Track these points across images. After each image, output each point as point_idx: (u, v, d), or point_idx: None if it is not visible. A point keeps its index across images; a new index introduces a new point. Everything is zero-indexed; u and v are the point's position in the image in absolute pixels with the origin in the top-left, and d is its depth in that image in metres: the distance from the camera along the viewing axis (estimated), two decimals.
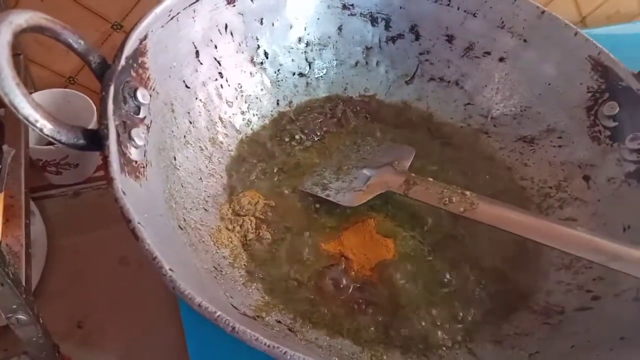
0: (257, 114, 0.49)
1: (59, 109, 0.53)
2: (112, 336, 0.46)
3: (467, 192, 0.40)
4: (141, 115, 0.35)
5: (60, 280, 0.49)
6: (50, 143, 0.52)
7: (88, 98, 0.54)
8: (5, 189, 0.44)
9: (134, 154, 0.33)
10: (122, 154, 0.32)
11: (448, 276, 0.40)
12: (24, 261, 0.41)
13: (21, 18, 0.29)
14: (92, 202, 0.56)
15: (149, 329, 0.46)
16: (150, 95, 0.36)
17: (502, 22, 0.49)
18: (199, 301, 0.26)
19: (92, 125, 0.52)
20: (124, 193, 0.29)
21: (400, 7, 0.52)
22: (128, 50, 0.35)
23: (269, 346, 0.25)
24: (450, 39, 0.52)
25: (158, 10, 0.38)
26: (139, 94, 0.35)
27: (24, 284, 0.39)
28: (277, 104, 0.51)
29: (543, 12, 0.47)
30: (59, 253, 0.50)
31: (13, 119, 0.49)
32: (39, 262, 0.48)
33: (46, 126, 0.29)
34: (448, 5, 0.51)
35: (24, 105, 0.28)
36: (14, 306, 0.36)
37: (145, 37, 0.37)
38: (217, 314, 0.26)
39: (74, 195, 0.56)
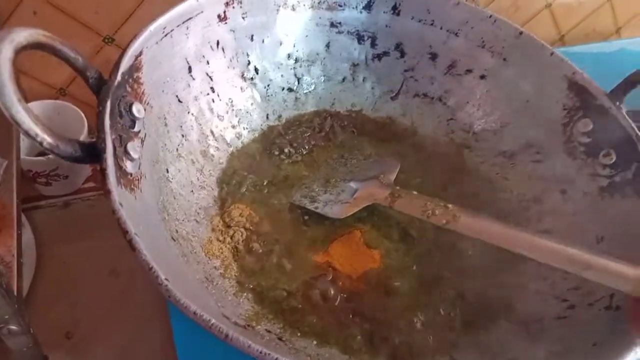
0: (247, 128, 0.50)
1: (49, 120, 0.53)
2: (101, 347, 0.46)
3: (450, 205, 0.42)
4: (136, 129, 0.36)
5: (49, 291, 0.49)
6: (40, 154, 0.53)
7: (78, 109, 0.55)
8: None
9: (129, 166, 0.34)
10: (119, 167, 0.33)
11: (432, 286, 0.42)
12: (15, 272, 0.41)
13: (21, 36, 0.30)
14: (81, 213, 0.56)
15: (138, 339, 0.47)
16: (145, 110, 0.38)
17: (483, 42, 0.51)
18: (193, 309, 0.27)
19: (84, 136, 0.53)
20: (120, 205, 0.30)
21: (386, 26, 0.54)
22: (124, 66, 0.36)
23: (261, 353, 0.26)
24: (433, 56, 0.54)
25: (153, 27, 0.39)
26: (134, 109, 0.36)
27: (15, 295, 0.39)
28: (267, 118, 0.52)
29: (521, 32, 0.49)
30: (48, 263, 0.51)
31: (5, 130, 0.50)
32: (28, 272, 0.48)
33: (46, 140, 0.30)
34: (432, 24, 0.53)
35: (25, 120, 0.29)
36: (6, 316, 0.36)
37: (140, 53, 0.38)
38: (212, 322, 0.27)
39: (64, 206, 0.56)
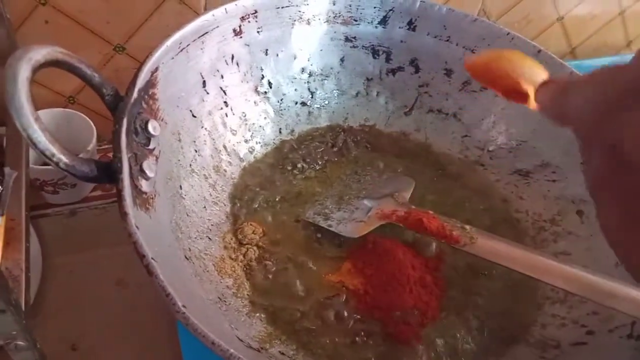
0: (260, 142, 0.50)
1: (58, 129, 0.53)
2: (108, 358, 0.46)
3: (467, 227, 0.41)
4: (151, 147, 0.36)
5: (55, 301, 0.48)
6: (48, 163, 0.52)
7: (88, 118, 0.54)
8: (7, 212, 0.44)
9: (144, 186, 0.34)
10: (134, 186, 0.32)
11: (448, 309, 0.41)
12: (23, 286, 0.41)
13: (39, 54, 0.29)
14: (88, 222, 0.55)
15: (145, 352, 0.46)
16: (160, 127, 0.37)
17: None
18: (212, 339, 0.26)
19: (92, 145, 0.52)
20: (137, 227, 0.29)
21: (401, 41, 0.53)
22: (140, 82, 0.35)
23: None
24: (449, 73, 0.53)
25: (169, 42, 0.39)
26: (150, 126, 0.35)
27: (23, 310, 0.39)
28: (280, 132, 0.52)
29: (539, 51, 0.49)
30: (55, 273, 0.50)
31: (15, 140, 0.49)
32: (34, 282, 0.47)
33: (62, 160, 0.29)
34: (447, 40, 0.52)
35: (42, 140, 0.28)
36: (14, 332, 0.36)
37: (156, 69, 0.37)
38: (230, 352, 0.26)
39: (71, 214, 0.56)
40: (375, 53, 0.54)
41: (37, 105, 0.57)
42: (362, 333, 0.39)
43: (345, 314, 0.40)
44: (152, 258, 0.28)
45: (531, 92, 0.30)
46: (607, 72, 0.21)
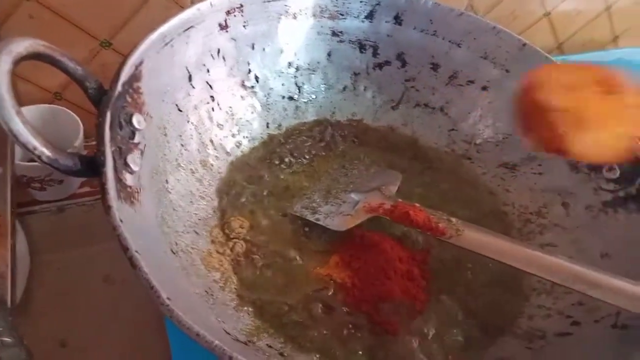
0: (247, 137, 0.50)
1: (45, 125, 0.53)
2: (97, 355, 0.45)
3: (453, 219, 0.41)
4: (136, 140, 0.36)
5: (43, 298, 0.48)
6: (34, 159, 0.52)
7: (74, 114, 0.54)
8: None
9: (129, 179, 0.33)
10: (118, 180, 0.32)
11: (435, 300, 0.41)
12: (9, 282, 0.41)
13: (21, 46, 0.29)
14: (76, 219, 0.55)
15: (134, 348, 0.46)
16: (145, 120, 0.37)
17: (486, 53, 0.51)
18: (196, 330, 0.26)
19: (79, 141, 0.52)
20: (121, 221, 0.29)
21: (388, 35, 0.53)
22: (124, 76, 0.35)
23: None
24: (435, 67, 0.53)
25: (153, 36, 0.38)
26: (134, 120, 0.35)
27: (9, 306, 0.38)
28: (267, 126, 0.51)
29: (524, 44, 0.49)
30: (42, 270, 0.49)
31: (0, 136, 0.49)
32: (21, 279, 0.47)
33: (44, 154, 0.29)
34: (434, 35, 0.52)
35: (23, 133, 0.28)
36: (0, 329, 0.36)
37: (140, 63, 0.37)
38: (215, 344, 0.26)
39: (58, 211, 0.55)
40: (362, 47, 0.54)
41: (23, 101, 0.58)
42: (350, 326, 0.39)
43: (333, 306, 0.40)
44: (135, 251, 0.28)
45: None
46: None
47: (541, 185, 0.48)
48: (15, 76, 0.57)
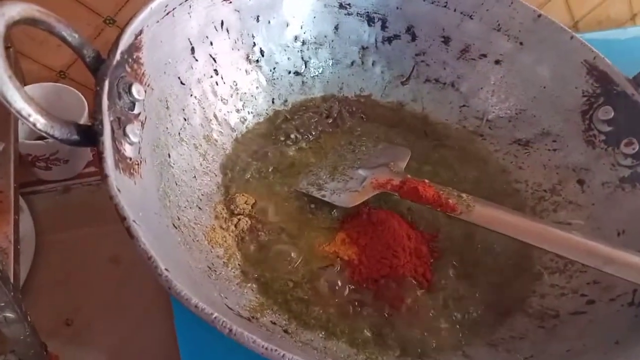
0: (252, 112, 0.49)
1: (49, 104, 0.52)
2: (102, 334, 0.45)
3: (464, 195, 0.40)
4: (136, 112, 0.35)
5: (49, 277, 0.48)
6: (40, 138, 0.51)
7: (79, 92, 0.53)
8: None
9: (128, 150, 0.33)
10: (117, 150, 0.31)
11: (444, 278, 0.40)
12: (12, 258, 0.40)
13: (14, 10, 0.28)
14: (82, 199, 0.55)
15: (139, 327, 0.46)
16: (145, 91, 0.36)
17: (499, 25, 0.49)
18: (195, 302, 0.26)
19: (84, 120, 0.51)
20: (118, 190, 0.29)
21: (397, 8, 0.52)
22: (123, 45, 0.34)
23: (266, 349, 0.25)
24: (446, 40, 0.52)
25: (154, 5, 0.37)
26: (133, 90, 0.34)
27: (12, 281, 0.38)
28: (273, 102, 0.50)
29: (539, 15, 0.47)
30: (48, 249, 0.49)
31: (2, 113, 0.48)
32: (27, 258, 0.47)
33: (39, 121, 0.28)
34: (445, 6, 0.51)
35: (17, 99, 0.27)
36: (2, 304, 0.35)
37: (140, 32, 0.36)
38: (214, 316, 0.25)
39: (64, 191, 0.55)
40: (370, 20, 0.52)
41: (28, 79, 0.57)
42: (356, 303, 0.39)
43: (339, 284, 0.39)
44: (133, 220, 0.27)
45: None
46: None
47: (555, 162, 0.46)
48: (19, 54, 0.57)
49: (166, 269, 0.26)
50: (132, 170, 0.33)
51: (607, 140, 0.43)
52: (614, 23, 0.85)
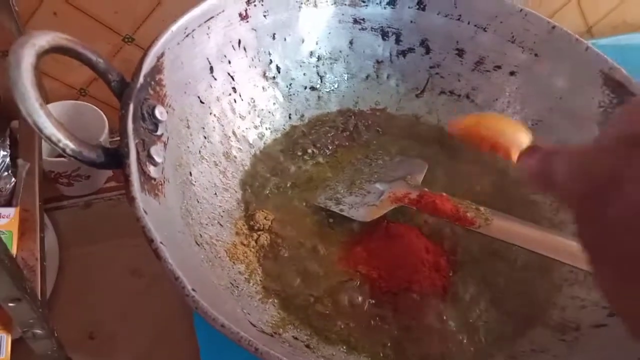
0: (269, 128, 0.49)
1: (70, 121, 0.53)
2: (124, 347, 0.46)
3: (482, 208, 0.40)
4: (159, 133, 0.36)
5: (72, 291, 0.49)
6: (62, 155, 0.53)
7: (99, 110, 0.54)
8: (20, 203, 0.45)
9: (152, 171, 0.33)
10: (142, 172, 0.32)
11: (464, 291, 0.40)
12: (39, 275, 0.41)
13: (43, 40, 0.29)
14: (103, 213, 0.56)
15: (162, 341, 0.46)
16: (167, 112, 0.37)
17: (513, 37, 0.50)
18: (221, 321, 0.26)
19: (104, 137, 0.52)
20: (145, 212, 0.29)
21: (411, 22, 0.52)
22: (146, 68, 0.35)
23: None
24: (460, 52, 0.52)
25: (174, 27, 0.38)
26: (157, 112, 0.35)
27: (39, 298, 0.39)
28: (289, 117, 0.51)
29: (554, 27, 0.48)
30: (71, 264, 0.50)
31: (27, 132, 0.49)
32: (51, 273, 0.48)
33: (68, 146, 0.29)
34: (458, 19, 0.51)
35: (47, 126, 0.28)
36: (31, 321, 0.36)
37: (162, 55, 0.37)
38: (241, 335, 0.26)
39: (86, 206, 0.56)
40: (384, 35, 0.53)
41: (49, 98, 0.58)
42: (377, 317, 0.39)
43: (359, 298, 0.40)
44: (160, 242, 0.28)
45: (513, 153, 0.34)
46: (588, 153, 0.21)
47: None
48: (41, 73, 0.58)
49: (193, 289, 0.27)
50: (156, 191, 0.33)
51: None
52: (629, 28, 0.84)
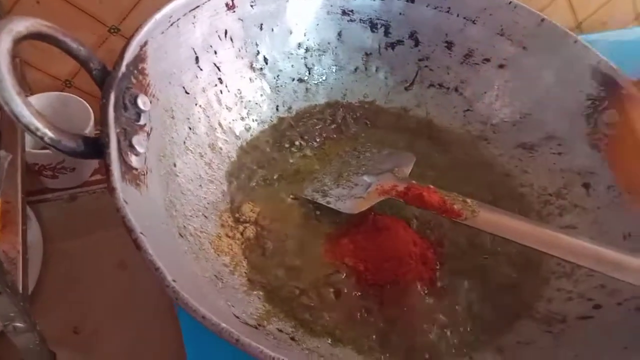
0: (256, 120, 0.49)
1: (55, 113, 0.53)
2: (110, 341, 0.46)
3: (469, 200, 0.40)
4: (141, 122, 0.35)
5: (57, 285, 0.48)
6: (46, 147, 0.52)
7: (84, 101, 0.54)
8: (2, 195, 0.44)
9: (134, 161, 0.33)
10: (123, 161, 0.31)
11: (450, 284, 0.40)
12: (20, 268, 0.41)
13: (21, 25, 0.28)
14: (88, 206, 0.55)
15: (146, 334, 0.46)
16: (151, 102, 0.36)
17: (502, 30, 0.49)
18: (202, 313, 0.26)
19: (90, 128, 0.52)
20: (125, 202, 0.29)
21: (400, 14, 0.52)
22: (128, 56, 0.34)
23: (274, 359, 0.25)
24: (449, 45, 0.52)
25: (158, 16, 0.38)
26: (139, 101, 0.34)
27: (20, 292, 0.38)
28: (277, 109, 0.50)
29: (543, 20, 0.47)
30: (55, 257, 0.50)
31: (10, 124, 0.49)
32: (34, 267, 0.47)
33: (47, 135, 0.28)
34: (447, 12, 0.51)
35: (25, 114, 0.27)
36: (12, 314, 0.36)
37: (145, 44, 0.36)
38: (221, 326, 0.26)
39: (70, 199, 0.55)
40: (373, 27, 0.52)
41: (33, 89, 0.58)
42: (363, 310, 0.39)
43: (345, 290, 0.39)
44: (140, 232, 0.28)
45: None
46: None
47: (561, 165, 0.46)
48: (25, 63, 0.57)
49: (173, 280, 0.27)
50: (138, 181, 0.33)
51: None
52: (618, 24, 0.85)
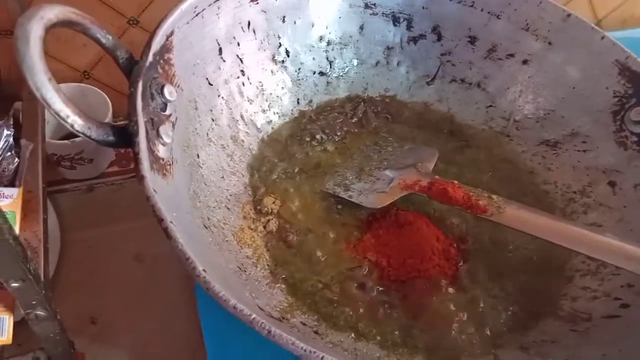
0: (277, 113, 0.49)
1: None
2: (126, 332, 0.46)
3: (494, 196, 0.40)
4: (168, 112, 0.35)
5: (74, 276, 0.48)
6: (65, 137, 0.52)
7: (103, 93, 0.54)
8: (24, 184, 0.44)
9: (161, 151, 0.33)
10: (151, 151, 0.31)
11: (474, 281, 0.40)
12: (42, 257, 0.41)
13: (52, 13, 0.28)
14: (105, 197, 0.55)
15: (164, 325, 0.46)
16: (176, 92, 0.36)
17: (527, 24, 0.49)
18: (233, 303, 0.26)
19: (108, 120, 0.52)
20: (154, 191, 0.29)
21: (423, 8, 0.51)
22: (155, 46, 0.34)
23: (305, 350, 0.25)
24: (472, 40, 0.51)
25: (184, 6, 0.37)
26: (165, 91, 0.34)
27: (42, 280, 0.38)
28: (298, 102, 0.50)
29: (569, 15, 0.47)
30: (73, 248, 0.50)
31: (31, 113, 0.48)
32: (52, 257, 0.47)
33: (77, 122, 0.28)
34: (472, 6, 0.50)
35: (56, 101, 0.27)
36: (34, 302, 0.36)
37: (171, 34, 0.36)
38: (253, 317, 0.25)
39: (88, 190, 0.55)
40: (395, 20, 0.52)
41: None
42: (385, 305, 0.39)
43: (368, 285, 0.39)
44: (170, 221, 0.27)
45: None
46: None
47: (585, 163, 0.46)
48: (45, 54, 0.57)
49: (204, 270, 0.26)
50: (164, 171, 0.33)
51: (639, 141, 0.42)
52: (638, 21, 0.84)
